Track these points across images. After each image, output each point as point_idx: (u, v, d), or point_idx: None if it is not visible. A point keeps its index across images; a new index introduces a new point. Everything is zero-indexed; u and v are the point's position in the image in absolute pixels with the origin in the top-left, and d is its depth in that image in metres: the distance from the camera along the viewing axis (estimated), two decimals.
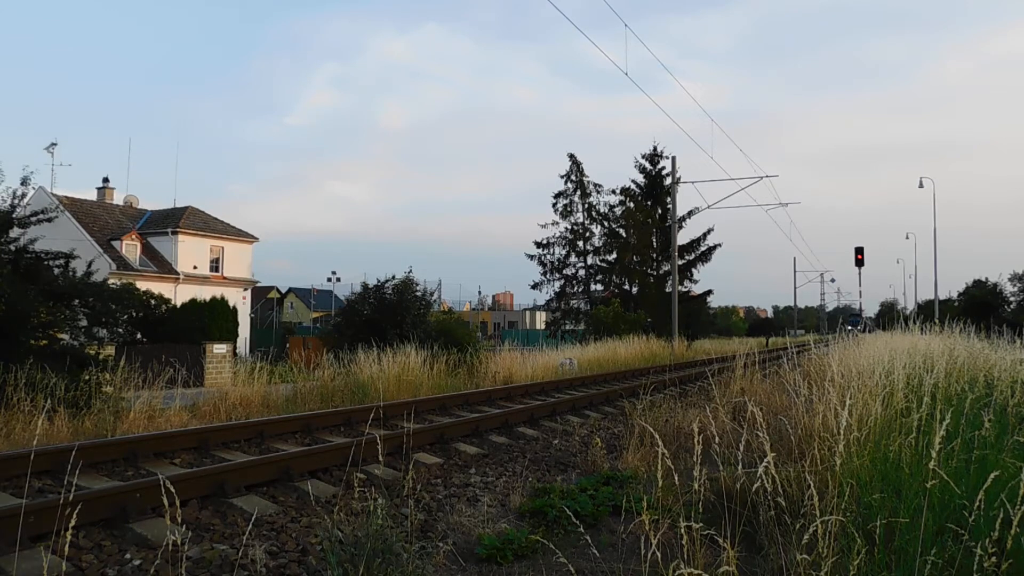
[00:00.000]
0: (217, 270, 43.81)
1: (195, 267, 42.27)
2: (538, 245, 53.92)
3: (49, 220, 13.17)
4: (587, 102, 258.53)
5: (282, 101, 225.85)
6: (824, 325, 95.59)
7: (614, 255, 52.06)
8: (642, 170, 51.86)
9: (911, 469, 4.66)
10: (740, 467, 3.94)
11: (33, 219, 12.95)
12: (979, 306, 44.88)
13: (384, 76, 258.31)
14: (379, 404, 9.90)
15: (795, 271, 79.24)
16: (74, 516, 3.45)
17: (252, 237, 46.52)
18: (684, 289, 48.97)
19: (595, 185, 53.80)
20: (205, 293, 32.21)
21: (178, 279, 40.68)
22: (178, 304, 26.95)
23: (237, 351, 26.70)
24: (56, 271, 13.20)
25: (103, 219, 41.43)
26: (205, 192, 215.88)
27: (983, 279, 52.99)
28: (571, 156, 54.12)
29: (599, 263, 53.64)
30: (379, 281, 24.65)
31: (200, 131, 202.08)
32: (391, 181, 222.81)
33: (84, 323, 13.39)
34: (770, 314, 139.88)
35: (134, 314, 19.40)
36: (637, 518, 4.11)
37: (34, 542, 5.05)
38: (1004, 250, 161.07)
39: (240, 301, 41.47)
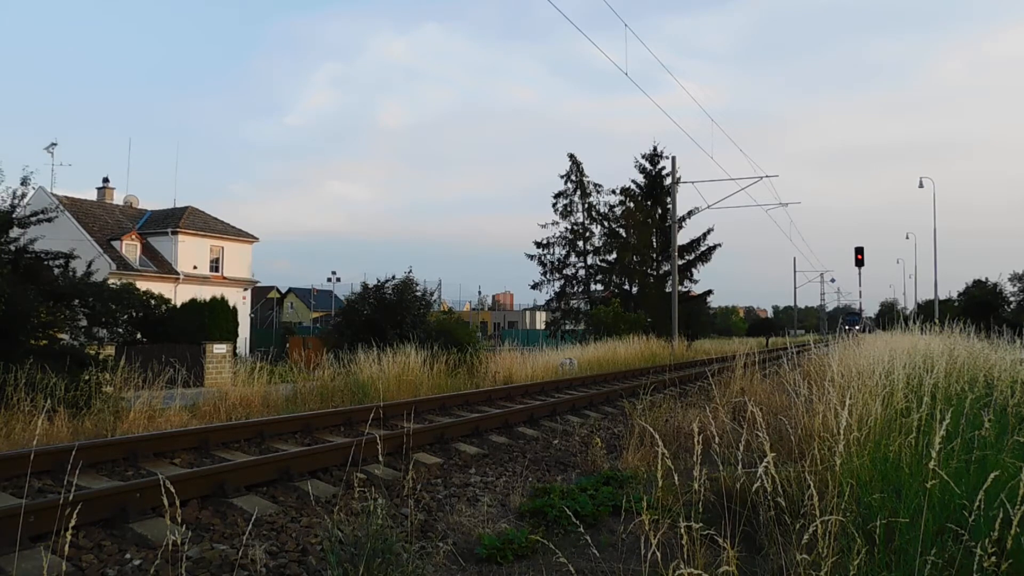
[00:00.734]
0: (217, 270, 43.81)
1: (195, 267, 42.27)
2: (538, 245, 53.97)
3: (49, 220, 13.18)
4: (587, 102, 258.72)
5: (282, 101, 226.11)
6: (824, 325, 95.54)
7: (614, 255, 52.04)
8: (642, 170, 51.89)
9: (911, 469, 4.66)
10: (740, 467, 3.94)
11: (33, 219, 12.96)
12: (979, 306, 44.83)
13: (384, 76, 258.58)
14: (379, 404, 9.89)
15: (795, 271, 79.27)
16: (74, 516, 3.45)
17: (252, 237, 46.53)
18: (684, 289, 48.97)
19: (595, 185, 53.86)
20: (205, 293, 32.22)
21: (178, 279, 40.68)
22: (178, 304, 26.96)
23: (237, 351, 26.72)
24: (56, 271, 13.21)
25: (103, 219, 41.43)
26: (205, 192, 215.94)
27: (983, 279, 52.95)
28: (571, 156, 54.18)
29: (599, 263, 53.65)
30: (379, 281, 24.66)
31: (200, 131, 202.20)
32: (391, 181, 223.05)
33: (84, 323, 13.40)
34: (770, 314, 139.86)
35: (134, 314, 19.41)
36: (637, 518, 4.11)
37: (34, 542, 5.05)
38: (1004, 250, 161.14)
39: (240, 301, 41.47)
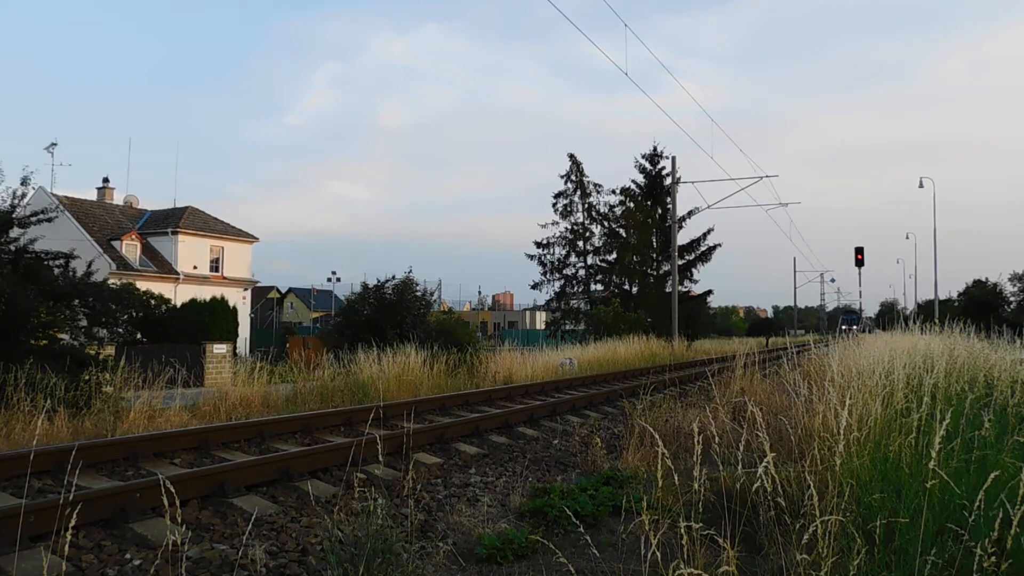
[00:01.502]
0: (217, 270, 43.81)
1: (195, 267, 42.27)
2: (538, 245, 53.99)
3: (49, 220, 13.18)
4: (587, 102, 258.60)
5: (282, 101, 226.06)
6: (824, 325, 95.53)
7: (614, 255, 52.05)
8: (642, 170, 51.90)
9: (911, 469, 4.66)
10: (740, 467, 3.94)
11: (33, 219, 12.96)
12: (979, 306, 44.82)
13: (384, 76, 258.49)
14: (379, 404, 9.89)
15: (795, 271, 79.32)
16: (74, 516, 3.45)
17: (252, 237, 46.53)
18: (684, 289, 48.96)
19: (595, 185, 53.88)
20: (205, 293, 32.21)
21: (178, 279, 40.68)
22: (178, 304, 26.96)
23: (237, 351, 26.71)
24: (56, 271, 13.21)
25: (103, 219, 41.43)
26: (205, 192, 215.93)
27: (983, 279, 52.96)
28: (571, 156, 54.20)
29: (599, 263, 53.67)
30: (379, 281, 24.66)
31: (200, 131, 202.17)
32: (391, 181, 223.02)
33: (84, 323, 13.40)
34: (770, 314, 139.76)
35: (134, 314, 19.38)
36: (637, 518, 4.11)
37: (34, 542, 5.05)
38: (1004, 250, 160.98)
39: (240, 301, 41.46)
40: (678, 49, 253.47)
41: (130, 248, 39.75)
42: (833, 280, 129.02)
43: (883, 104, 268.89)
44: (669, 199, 43.97)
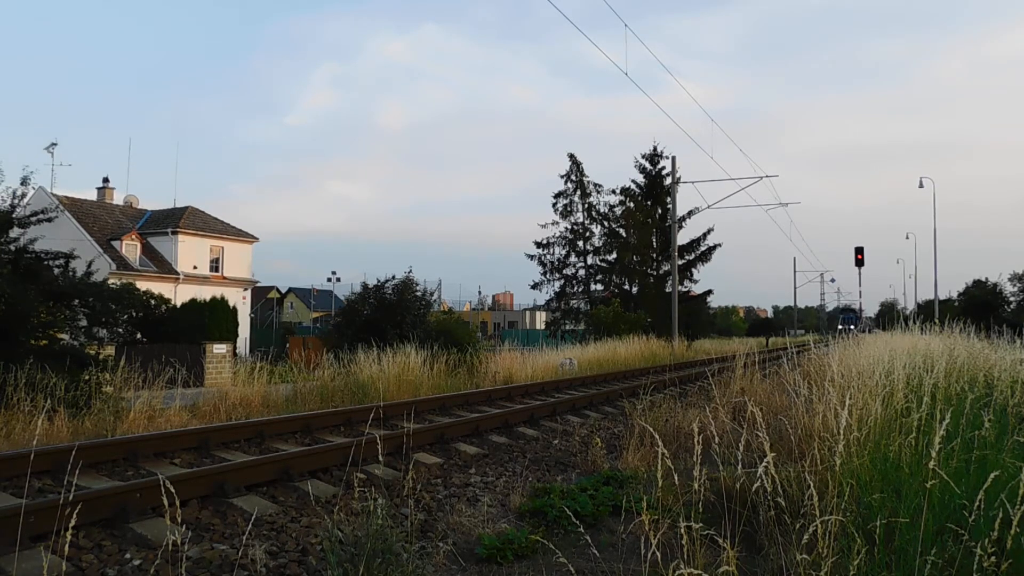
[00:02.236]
0: (217, 270, 43.81)
1: (195, 267, 42.27)
2: (538, 245, 53.95)
3: (49, 220, 13.18)
4: (587, 102, 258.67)
5: (282, 101, 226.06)
6: (824, 325, 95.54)
7: (614, 255, 52.04)
8: (642, 170, 51.87)
9: (911, 469, 4.66)
10: (740, 467, 3.94)
11: (33, 219, 12.96)
12: (979, 306, 44.85)
13: (383, 76, 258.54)
14: (379, 404, 9.90)
15: (795, 271, 79.19)
16: (74, 516, 3.45)
17: (252, 237, 46.53)
18: (684, 289, 48.95)
19: (595, 185, 53.83)
20: (205, 293, 32.20)
21: (178, 279, 40.68)
22: (178, 304, 26.94)
23: (237, 351, 26.72)
24: (56, 271, 13.21)
25: (103, 219, 41.43)
26: (205, 192, 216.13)
27: (983, 279, 53.04)
28: (571, 156, 54.15)
29: (599, 263, 53.64)
30: (379, 281, 24.67)
31: (200, 131, 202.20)
32: (391, 181, 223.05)
33: (84, 323, 13.40)
34: (770, 314, 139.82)
35: (134, 314, 19.42)
36: (637, 518, 4.11)
37: (34, 542, 5.04)
38: (1004, 250, 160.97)
39: (240, 301, 41.47)
40: (678, 49, 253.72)
41: (130, 248, 39.75)
42: (833, 280, 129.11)
43: (883, 104, 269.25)
44: (669, 199, 43.95)
